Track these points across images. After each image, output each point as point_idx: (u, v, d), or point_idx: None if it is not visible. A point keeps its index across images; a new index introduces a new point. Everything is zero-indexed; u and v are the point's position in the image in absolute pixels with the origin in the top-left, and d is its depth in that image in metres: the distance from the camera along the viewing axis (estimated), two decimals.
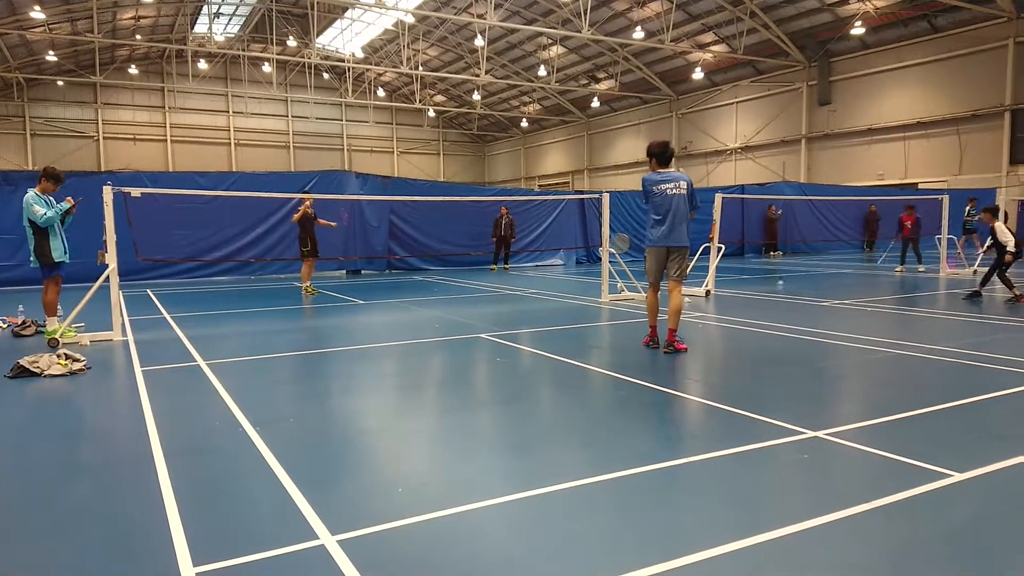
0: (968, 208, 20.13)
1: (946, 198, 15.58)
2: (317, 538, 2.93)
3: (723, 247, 12.79)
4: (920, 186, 27.96)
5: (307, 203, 12.92)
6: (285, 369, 6.64)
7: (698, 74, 35.21)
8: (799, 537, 2.90)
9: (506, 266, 19.24)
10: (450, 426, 4.75)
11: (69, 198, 8.18)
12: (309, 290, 12.88)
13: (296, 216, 13.00)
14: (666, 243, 6.99)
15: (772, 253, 24.07)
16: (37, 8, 29.83)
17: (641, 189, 7.24)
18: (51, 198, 8.08)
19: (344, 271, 18.02)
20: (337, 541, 2.89)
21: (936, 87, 27.87)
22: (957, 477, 3.50)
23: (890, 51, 29.25)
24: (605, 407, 5.16)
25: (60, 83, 41.70)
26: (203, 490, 3.53)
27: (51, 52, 37.38)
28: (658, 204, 6.97)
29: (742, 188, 25.09)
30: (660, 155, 7.01)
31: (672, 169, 7.07)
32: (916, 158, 28.87)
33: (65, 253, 8.10)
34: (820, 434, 4.21)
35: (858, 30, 27.85)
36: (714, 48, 34.20)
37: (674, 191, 6.92)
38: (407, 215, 18.34)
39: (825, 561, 2.73)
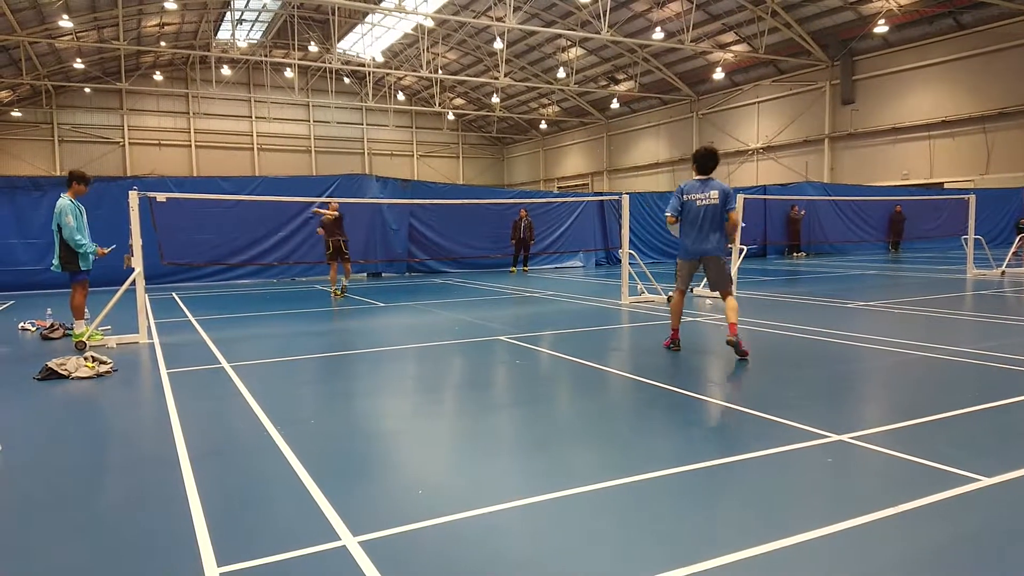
0: None
1: (973, 198, 15.32)
2: (339, 539, 2.95)
3: (745, 248, 12.68)
4: (946, 186, 27.53)
5: (332, 206, 13.03)
6: (307, 371, 6.70)
7: (719, 74, 35.00)
8: (823, 542, 2.87)
9: (525, 268, 19.24)
10: (470, 428, 4.76)
11: (102, 250, 8.31)
12: (336, 293, 13.01)
13: (328, 216, 12.95)
14: (696, 254, 6.99)
15: (795, 254, 23.81)
16: (65, 17, 30.46)
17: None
18: (82, 206, 8.20)
19: (365, 274, 18.14)
20: (359, 542, 2.91)
21: (962, 85, 27.44)
22: (985, 482, 3.44)
23: (914, 49, 28.85)
24: (625, 410, 5.14)
25: (87, 90, 42.48)
26: (227, 491, 3.57)
27: (78, 59, 38.10)
28: (686, 214, 6.93)
29: (764, 189, 24.86)
30: (698, 163, 6.90)
31: (711, 178, 6.93)
32: (942, 157, 28.43)
33: (89, 263, 8.23)
34: (844, 437, 4.16)
35: (881, 28, 27.51)
36: (735, 48, 33.97)
37: (703, 202, 6.82)
38: (427, 218, 18.42)
39: (850, 566, 2.69)
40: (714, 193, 6.79)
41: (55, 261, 8.09)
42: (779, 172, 34.72)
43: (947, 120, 27.95)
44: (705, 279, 7.51)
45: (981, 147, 27.08)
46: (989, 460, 3.73)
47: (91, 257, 8.21)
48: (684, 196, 6.91)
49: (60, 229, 7.96)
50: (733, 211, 6.86)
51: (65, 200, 7.98)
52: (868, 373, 6.14)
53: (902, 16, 27.83)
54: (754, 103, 36.40)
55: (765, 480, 3.59)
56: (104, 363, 6.52)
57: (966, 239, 15.18)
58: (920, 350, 6.84)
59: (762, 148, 36.08)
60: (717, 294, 7.11)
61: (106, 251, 8.36)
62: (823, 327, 8.30)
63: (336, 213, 12.99)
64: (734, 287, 7.66)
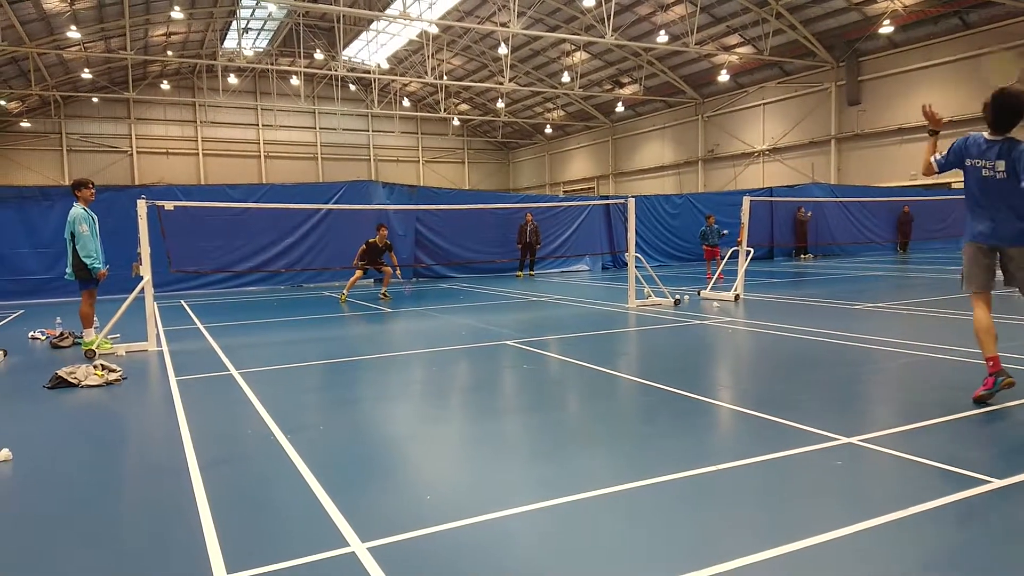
0: None
1: None
2: (348, 545, 2.96)
3: (752, 250, 12.65)
4: (954, 186, 27.39)
5: (382, 233, 13.60)
6: (315, 377, 6.72)
7: (724, 76, 34.94)
8: (833, 545, 2.85)
9: (532, 272, 19.24)
10: (478, 433, 4.76)
11: (103, 273, 8.14)
12: (383, 296, 13.65)
13: (378, 238, 13.55)
14: (991, 240, 4.91)
15: (803, 256, 23.74)
16: (73, 28, 30.71)
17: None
18: (94, 215, 8.22)
19: (372, 280, 18.17)
20: (367, 548, 2.92)
21: (968, 84, 27.28)
22: (997, 483, 3.41)
23: (920, 49, 28.74)
24: (634, 414, 5.13)
25: (95, 100, 42.79)
26: (236, 497, 3.58)
27: (86, 70, 38.38)
28: (968, 184, 5.07)
29: (771, 191, 24.80)
30: (994, 113, 5.01)
31: (1010, 137, 4.91)
32: None
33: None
34: (854, 440, 4.14)
35: (887, 29, 27.42)
36: (740, 50, 33.93)
37: (988, 173, 4.89)
38: (433, 223, 18.46)
39: (861, 570, 2.68)
40: (1001, 164, 4.84)
41: (68, 269, 8.11)
42: (785, 174, 34.63)
43: (954, 119, 27.80)
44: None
45: None
46: (1000, 462, 3.71)
47: (102, 259, 8.20)
48: (967, 160, 5.06)
49: (73, 238, 7.98)
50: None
51: (78, 209, 8.01)
52: (877, 375, 6.11)
53: (907, 16, 27.74)
54: (759, 105, 36.33)
55: (774, 483, 3.58)
56: (113, 371, 6.55)
57: None
58: (929, 351, 6.80)
59: (768, 150, 36.00)
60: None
61: (105, 272, 8.19)
62: (831, 329, 8.27)
63: (385, 242, 13.55)
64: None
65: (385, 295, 13.76)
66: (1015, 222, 4.78)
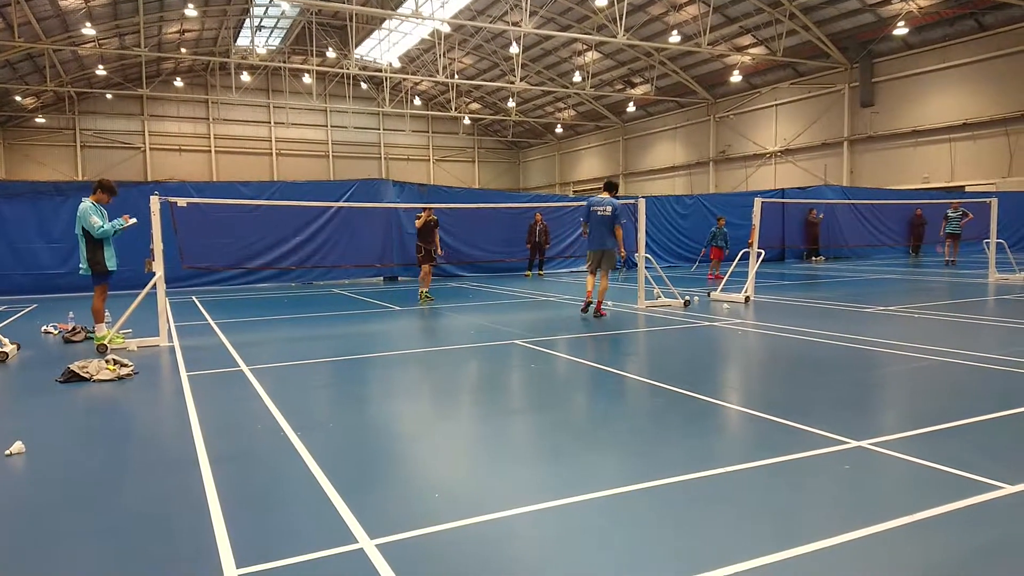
0: None
1: (994, 201, 15.12)
2: (356, 542, 2.97)
3: (763, 252, 12.60)
4: (967, 189, 27.18)
5: (428, 211, 12.95)
6: (325, 374, 6.75)
7: (736, 77, 34.81)
8: (841, 549, 2.84)
9: (541, 272, 19.24)
10: (486, 432, 4.77)
11: (128, 217, 8.33)
12: (426, 296, 12.89)
13: (418, 222, 12.91)
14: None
15: (814, 258, 23.61)
16: (88, 25, 30.95)
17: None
18: (103, 209, 8.30)
19: (381, 278, 18.24)
20: (376, 545, 2.93)
21: (983, 87, 27.08)
22: (1008, 489, 3.39)
23: (935, 51, 28.53)
24: (642, 415, 5.12)
25: (109, 96, 43.11)
26: (246, 493, 3.60)
27: (100, 66, 38.68)
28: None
29: (782, 192, 24.67)
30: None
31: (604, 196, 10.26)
32: (963, 160, 28.08)
33: (115, 261, 8.33)
34: (864, 444, 4.12)
35: (901, 30, 27.24)
36: (752, 51, 33.79)
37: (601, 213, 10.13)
38: (443, 222, 18.41)
39: (868, 575, 2.67)
40: (608, 207, 10.13)
41: (83, 264, 8.18)
42: (797, 175, 34.46)
43: (968, 123, 27.60)
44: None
45: (1003, 150, 26.71)
46: (1011, 467, 3.68)
47: (113, 249, 8.23)
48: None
49: (85, 232, 8.04)
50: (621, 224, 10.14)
51: (87, 203, 8.07)
52: (888, 378, 6.08)
53: (922, 18, 27.54)
54: (772, 106, 36.17)
55: (783, 486, 3.57)
56: (125, 366, 6.60)
57: (988, 243, 14.98)
58: (941, 355, 6.76)
59: (780, 151, 35.83)
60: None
61: (132, 220, 8.25)
62: (842, 332, 8.22)
63: (431, 218, 12.77)
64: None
65: (426, 296, 12.86)
66: None
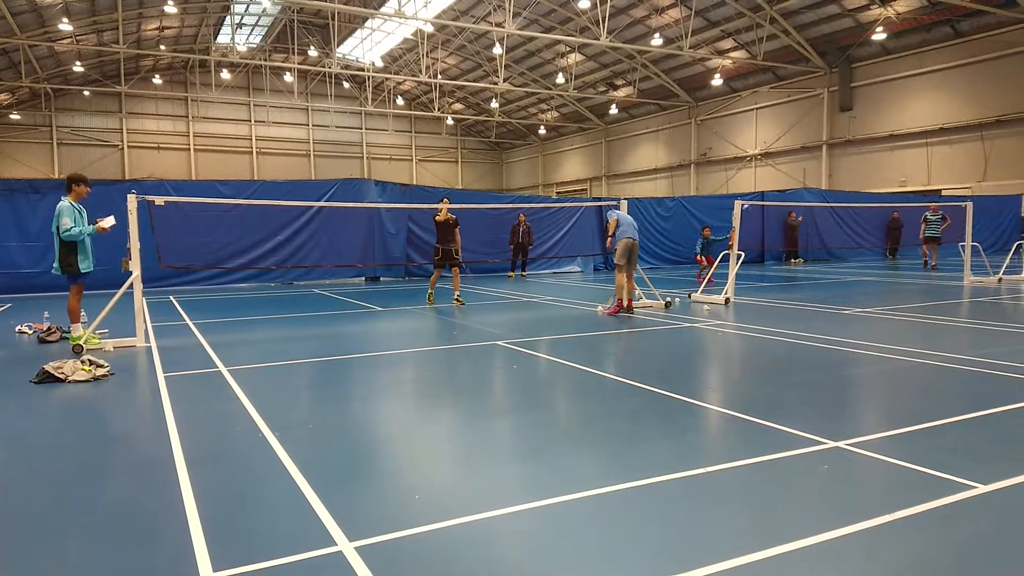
0: None
1: (970, 205, 15.36)
2: (335, 544, 2.95)
3: (743, 254, 12.70)
4: (943, 192, 27.59)
5: (445, 203, 12.15)
6: (305, 375, 6.70)
7: (717, 80, 35.10)
8: (818, 549, 2.87)
9: (523, 273, 19.25)
10: (467, 433, 4.76)
11: (100, 222, 7.98)
12: (457, 300, 11.99)
13: (438, 216, 12.07)
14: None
15: (793, 260, 23.84)
16: (65, 20, 30.50)
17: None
18: (82, 207, 8.15)
19: (363, 278, 18.14)
20: (355, 547, 2.91)
21: (960, 92, 27.54)
22: (981, 489, 3.44)
23: (912, 56, 28.96)
24: (622, 415, 5.14)
25: (86, 93, 42.50)
26: (223, 495, 3.56)
27: (78, 63, 38.13)
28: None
29: (762, 195, 24.90)
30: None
31: None
32: (939, 164, 28.52)
33: (90, 264, 8.17)
34: (840, 444, 4.16)
35: (880, 35, 27.63)
36: (733, 54, 34.08)
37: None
38: (426, 222, 18.40)
39: (845, 573, 2.69)
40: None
41: (55, 264, 8.05)
42: (777, 178, 34.80)
43: (945, 127, 28.05)
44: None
45: (979, 154, 27.17)
46: (986, 467, 3.74)
47: (89, 251, 8.08)
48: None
49: (59, 231, 7.92)
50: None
51: (65, 203, 7.94)
52: (864, 379, 6.15)
53: (900, 24, 27.94)
54: (752, 109, 36.50)
55: (760, 487, 3.59)
56: (101, 367, 6.51)
57: (963, 246, 15.22)
58: (916, 357, 6.85)
59: (760, 154, 36.17)
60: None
61: (107, 225, 7.97)
62: (820, 333, 8.31)
63: (449, 216, 11.88)
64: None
65: (459, 300, 11.95)
66: None
